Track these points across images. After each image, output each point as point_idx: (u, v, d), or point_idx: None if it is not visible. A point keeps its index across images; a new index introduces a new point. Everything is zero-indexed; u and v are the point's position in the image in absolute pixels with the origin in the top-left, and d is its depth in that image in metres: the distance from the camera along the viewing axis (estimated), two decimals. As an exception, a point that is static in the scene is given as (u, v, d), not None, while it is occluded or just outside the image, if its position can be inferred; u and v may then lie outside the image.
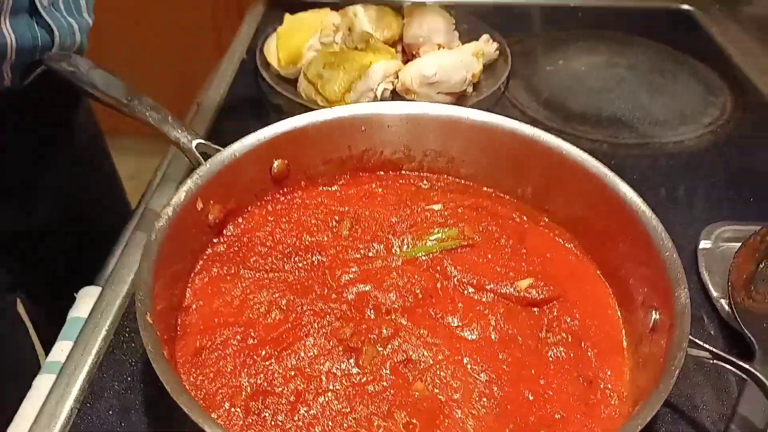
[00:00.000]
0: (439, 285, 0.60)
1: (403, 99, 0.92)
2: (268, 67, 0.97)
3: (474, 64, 0.94)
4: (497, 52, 1.00)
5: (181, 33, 1.96)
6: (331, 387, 0.51)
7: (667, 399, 0.56)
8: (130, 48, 1.91)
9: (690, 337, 0.48)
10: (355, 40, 0.92)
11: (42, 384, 0.66)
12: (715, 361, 0.48)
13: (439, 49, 0.96)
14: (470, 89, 0.94)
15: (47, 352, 0.92)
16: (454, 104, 0.91)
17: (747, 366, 0.46)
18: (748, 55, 1.08)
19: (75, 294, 0.76)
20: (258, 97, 0.97)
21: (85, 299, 0.74)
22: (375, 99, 0.90)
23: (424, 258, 0.62)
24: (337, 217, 0.67)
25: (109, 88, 0.71)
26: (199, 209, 0.60)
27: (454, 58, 0.92)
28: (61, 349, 0.70)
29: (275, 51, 0.97)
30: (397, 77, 0.92)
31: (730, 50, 1.10)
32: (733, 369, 0.46)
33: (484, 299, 0.60)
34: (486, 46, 0.98)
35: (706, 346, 0.47)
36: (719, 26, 1.16)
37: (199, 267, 0.61)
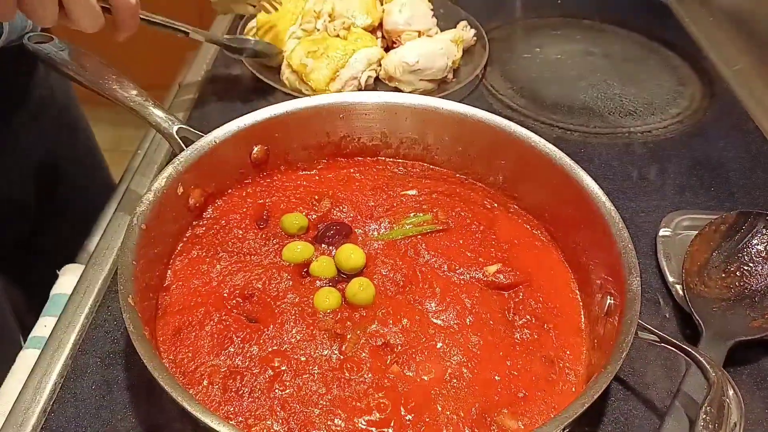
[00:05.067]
0: (418, 271, 0.62)
1: (386, 86, 0.93)
2: None
3: (454, 51, 0.96)
4: (475, 38, 1.02)
5: (162, 12, 1.93)
6: (309, 369, 0.54)
7: (620, 376, 0.60)
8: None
9: (640, 321, 0.51)
10: (337, 27, 0.93)
11: (25, 359, 0.68)
12: (662, 344, 0.51)
13: (419, 35, 0.97)
14: (450, 75, 0.96)
15: (23, 330, 0.94)
16: (436, 90, 0.94)
17: (689, 349, 0.49)
18: (718, 46, 1.11)
19: (57, 272, 0.78)
20: (239, 78, 0.98)
21: (68, 276, 0.76)
22: (359, 87, 0.92)
23: (401, 242, 0.65)
24: (316, 196, 0.69)
25: (87, 70, 0.72)
26: (180, 194, 0.62)
27: (435, 46, 0.94)
28: (44, 325, 0.72)
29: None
30: (380, 65, 0.93)
31: (702, 41, 1.13)
32: (677, 351, 0.50)
33: (460, 283, 0.62)
34: (464, 32, 1.00)
35: (655, 330, 0.51)
36: (693, 17, 1.19)
37: (179, 249, 0.63)
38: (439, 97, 0.74)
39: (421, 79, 0.93)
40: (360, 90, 0.91)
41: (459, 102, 0.72)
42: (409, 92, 0.91)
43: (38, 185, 0.99)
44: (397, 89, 0.92)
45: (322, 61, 0.88)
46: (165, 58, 1.27)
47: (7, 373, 0.67)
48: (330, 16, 0.92)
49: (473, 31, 1.01)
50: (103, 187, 1.10)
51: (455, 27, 1.01)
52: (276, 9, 0.93)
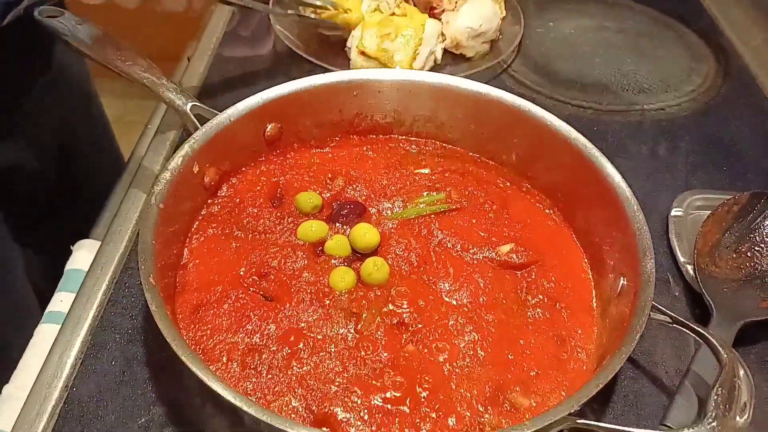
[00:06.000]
0: (432, 251, 0.63)
1: (451, 54, 0.95)
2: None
3: (498, 10, 0.96)
4: None
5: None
6: (326, 348, 0.54)
7: (630, 356, 0.61)
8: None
9: (653, 302, 0.52)
10: (391, 5, 0.91)
11: (43, 334, 0.69)
12: (674, 325, 0.52)
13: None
14: (498, 35, 0.98)
15: (41, 301, 0.95)
16: (490, 53, 0.96)
17: (701, 330, 0.50)
18: (734, 23, 1.09)
19: (71, 247, 0.79)
20: (250, 49, 0.97)
21: (81, 252, 0.77)
22: (435, 61, 0.92)
23: (414, 221, 0.65)
24: (330, 175, 0.69)
25: (100, 46, 0.71)
26: (195, 172, 0.62)
27: (488, 7, 0.94)
28: (60, 300, 0.73)
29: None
30: (442, 34, 0.93)
31: (719, 18, 1.11)
32: (689, 333, 0.51)
33: (473, 263, 0.62)
34: None
35: (667, 311, 0.52)
36: (709, -8, 1.17)
37: (195, 227, 0.64)
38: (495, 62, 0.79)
39: (482, 42, 0.94)
40: (436, 63, 0.93)
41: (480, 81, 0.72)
42: (471, 56, 0.95)
43: (53, 155, 1.00)
44: (462, 56, 0.95)
45: (399, 42, 0.87)
46: (174, 30, 1.26)
47: (19, 344, 0.68)
48: None
49: None
50: (113, 159, 1.10)
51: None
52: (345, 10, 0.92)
